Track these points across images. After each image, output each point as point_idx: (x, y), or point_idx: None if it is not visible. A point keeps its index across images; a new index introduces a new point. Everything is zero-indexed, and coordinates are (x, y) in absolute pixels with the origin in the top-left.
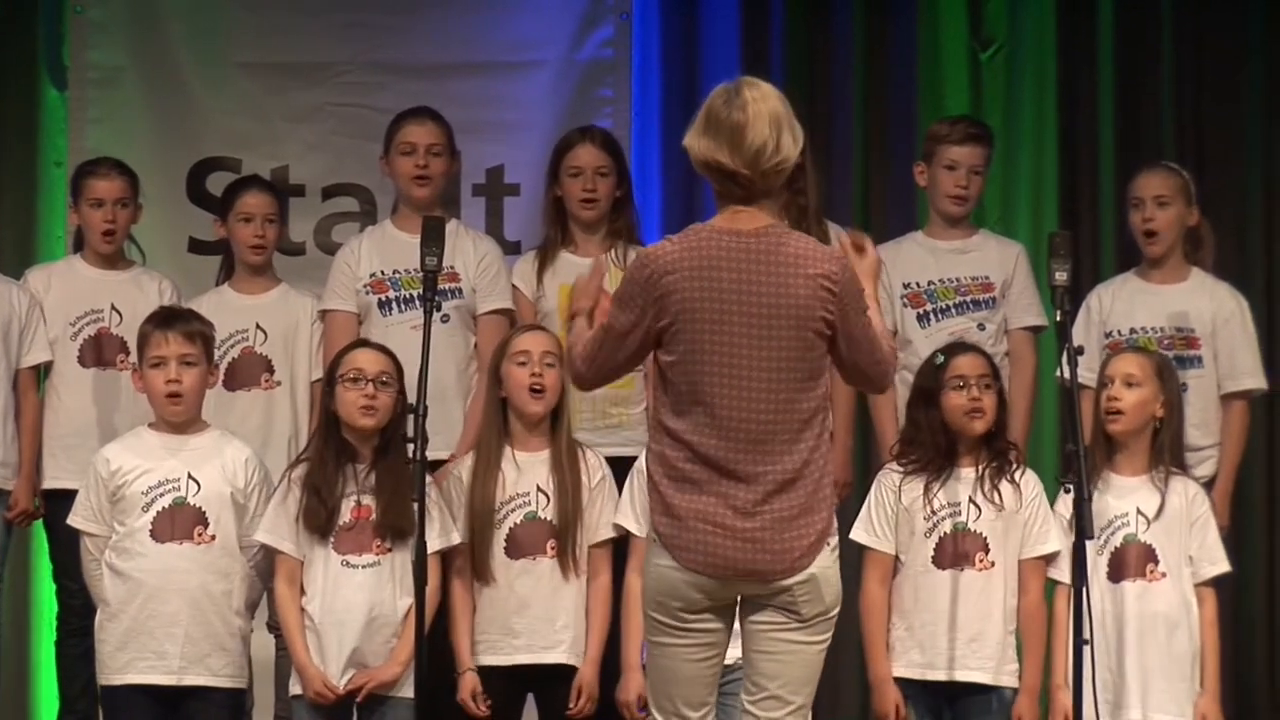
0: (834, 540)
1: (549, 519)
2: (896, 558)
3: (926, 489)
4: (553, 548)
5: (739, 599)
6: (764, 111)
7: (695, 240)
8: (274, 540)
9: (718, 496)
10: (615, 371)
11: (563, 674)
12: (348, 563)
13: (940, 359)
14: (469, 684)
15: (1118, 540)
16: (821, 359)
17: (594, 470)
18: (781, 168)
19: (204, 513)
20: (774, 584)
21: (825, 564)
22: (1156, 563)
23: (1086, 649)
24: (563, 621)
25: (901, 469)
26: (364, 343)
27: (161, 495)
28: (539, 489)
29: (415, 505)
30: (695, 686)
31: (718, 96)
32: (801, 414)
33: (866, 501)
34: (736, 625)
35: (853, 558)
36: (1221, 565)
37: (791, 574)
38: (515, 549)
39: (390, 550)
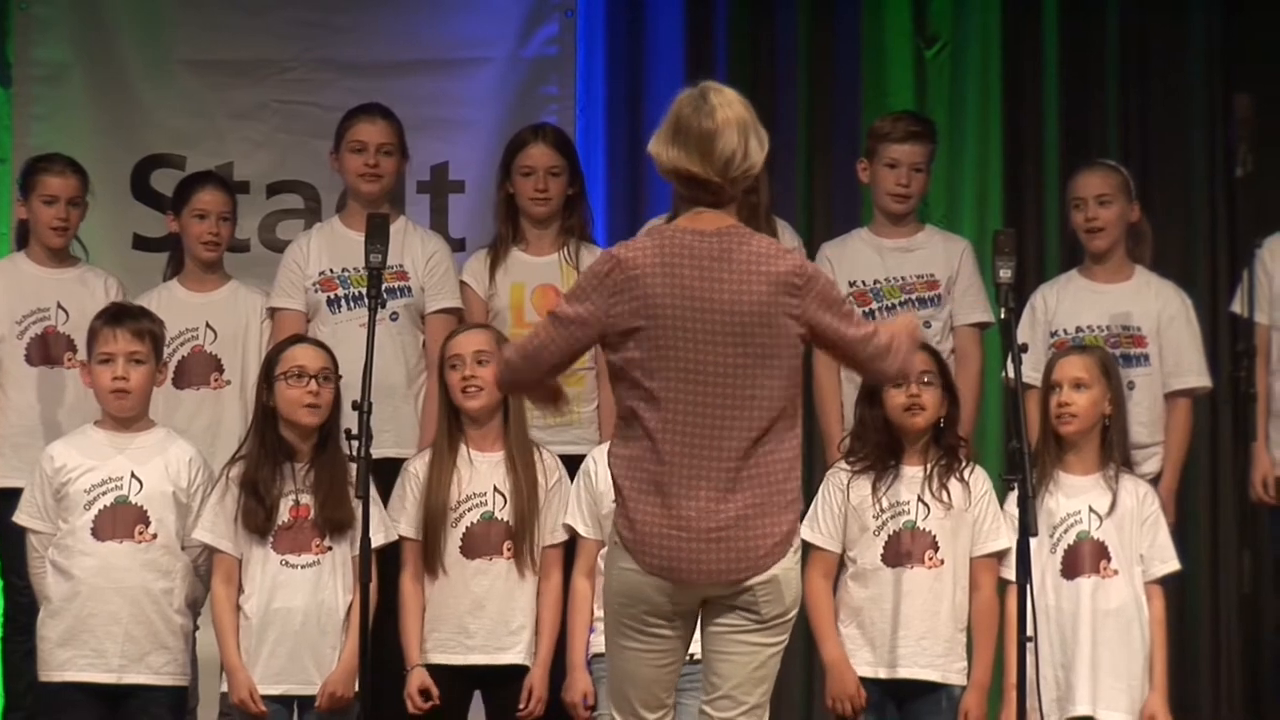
0: (797, 542)
1: (505, 520)
2: (846, 556)
3: (874, 487)
4: (509, 549)
5: (702, 602)
6: (732, 119)
7: (660, 240)
8: (213, 539)
9: (679, 499)
10: (550, 361)
11: (512, 673)
12: (287, 562)
13: None
14: (416, 680)
15: (1071, 538)
16: (787, 358)
17: (550, 471)
18: (750, 173)
19: (145, 511)
20: (738, 585)
21: (788, 565)
22: (1109, 559)
23: (1030, 646)
24: (518, 623)
25: (849, 468)
26: (300, 338)
27: (104, 494)
28: (496, 489)
29: (359, 502)
30: (654, 689)
31: (686, 104)
32: (765, 414)
33: (815, 500)
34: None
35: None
36: (1172, 564)
37: (755, 574)
38: (471, 549)
39: (330, 549)
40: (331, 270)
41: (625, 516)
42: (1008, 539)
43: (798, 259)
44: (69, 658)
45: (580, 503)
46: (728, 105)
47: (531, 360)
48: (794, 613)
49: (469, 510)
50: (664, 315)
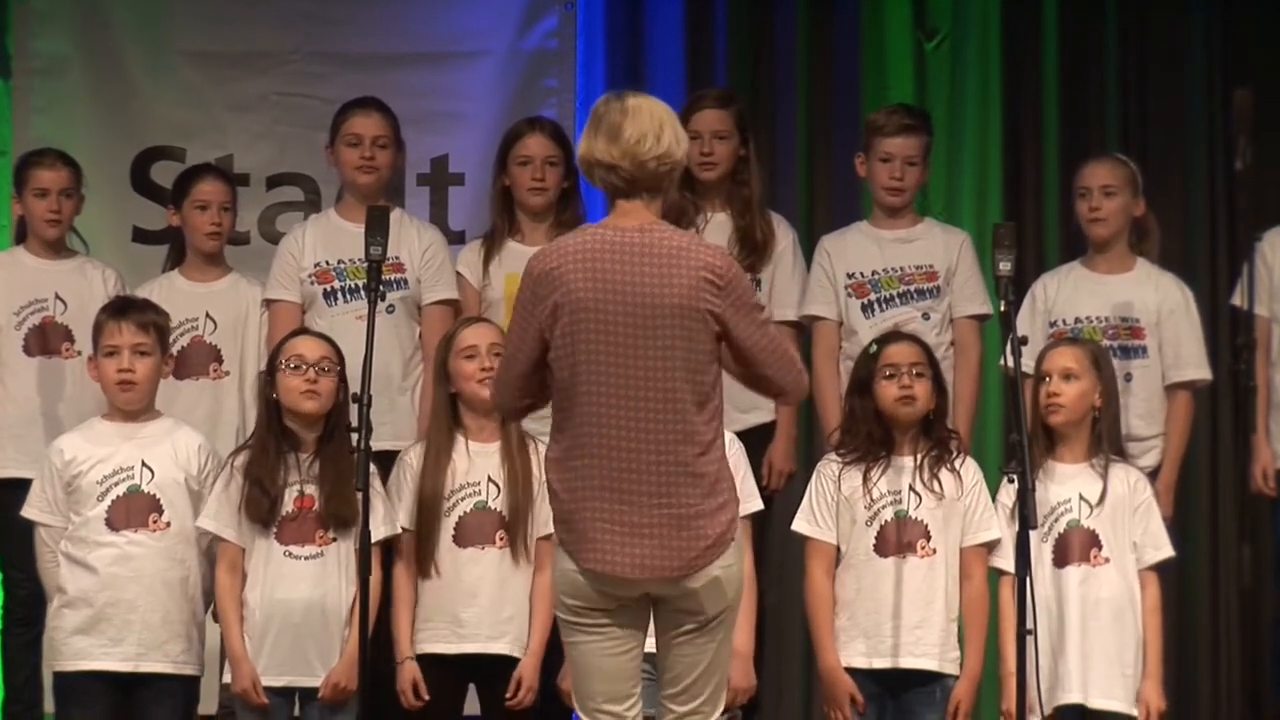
0: (738, 539)
1: (498, 509)
2: (838, 548)
3: (865, 478)
4: (502, 538)
5: (650, 598)
6: (644, 110)
7: (581, 237)
8: (216, 527)
9: (611, 495)
10: (516, 385)
11: (506, 665)
12: (290, 553)
13: (874, 348)
14: (408, 674)
15: (1061, 526)
16: (708, 352)
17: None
18: (665, 162)
19: (158, 500)
20: (676, 584)
21: (728, 563)
22: (1100, 548)
23: (1030, 638)
24: (509, 613)
25: (840, 459)
26: (304, 330)
27: (116, 484)
28: (490, 479)
29: (359, 495)
30: (617, 681)
31: (601, 102)
32: (688, 411)
33: (807, 492)
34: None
35: (795, 549)
36: (1165, 550)
37: (689, 572)
38: (463, 538)
39: (334, 540)
40: (327, 262)
41: (562, 518)
42: (999, 529)
43: (720, 256)
44: (85, 647)
45: None
46: (644, 102)
47: (503, 385)
48: (736, 606)
49: (462, 500)
50: (584, 306)
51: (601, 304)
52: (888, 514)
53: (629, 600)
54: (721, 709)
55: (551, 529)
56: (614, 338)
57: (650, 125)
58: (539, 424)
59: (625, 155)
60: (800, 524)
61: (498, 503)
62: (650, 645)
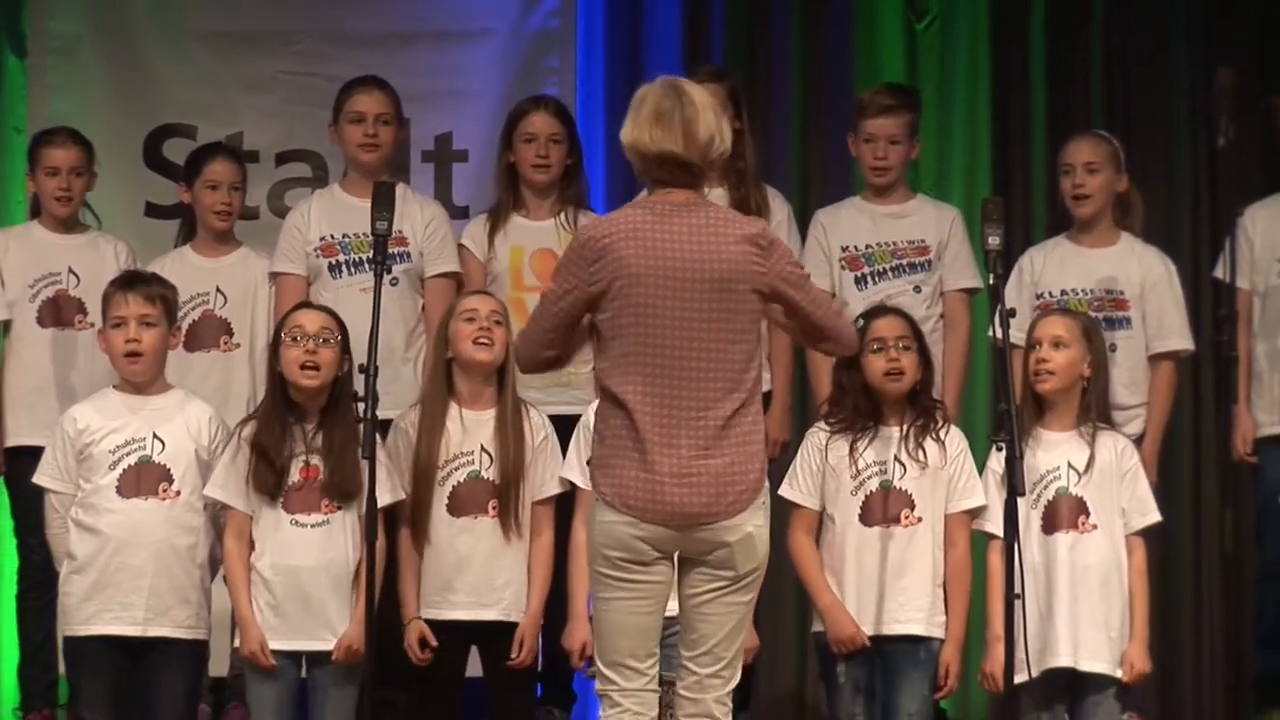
0: (765, 500)
1: (491, 478)
2: (826, 516)
3: (852, 448)
4: (494, 507)
5: (679, 560)
6: (708, 103)
7: (631, 210)
8: (224, 496)
9: (658, 456)
10: (543, 337)
11: (508, 627)
12: (297, 522)
13: (860, 323)
14: (414, 631)
15: (1050, 494)
16: (752, 317)
17: (537, 429)
18: (724, 154)
19: (169, 470)
20: (713, 537)
21: (759, 523)
22: (1088, 515)
23: (1018, 602)
24: (503, 579)
25: (828, 428)
26: (307, 304)
27: (128, 454)
28: (483, 448)
29: (365, 463)
30: (644, 638)
31: (662, 96)
32: (731, 368)
33: (794, 459)
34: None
35: (787, 516)
36: (1152, 515)
37: (727, 516)
38: (457, 507)
39: (339, 509)
40: (332, 236)
41: (607, 473)
42: (983, 496)
43: (760, 223)
44: (95, 612)
45: (580, 456)
46: (701, 94)
47: (529, 336)
48: (763, 569)
49: (456, 469)
50: (635, 275)
51: (651, 273)
52: (873, 484)
53: (664, 552)
54: (739, 677)
55: (546, 494)
56: (662, 304)
57: (715, 124)
58: (543, 393)
59: (700, 154)
60: (784, 489)
61: (490, 472)
62: (672, 608)
